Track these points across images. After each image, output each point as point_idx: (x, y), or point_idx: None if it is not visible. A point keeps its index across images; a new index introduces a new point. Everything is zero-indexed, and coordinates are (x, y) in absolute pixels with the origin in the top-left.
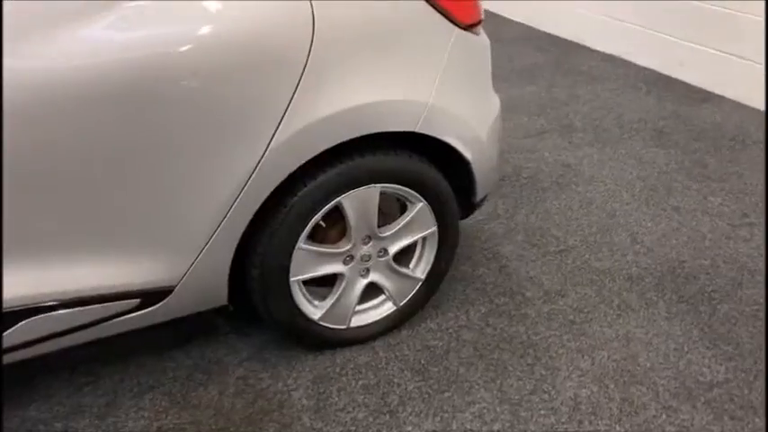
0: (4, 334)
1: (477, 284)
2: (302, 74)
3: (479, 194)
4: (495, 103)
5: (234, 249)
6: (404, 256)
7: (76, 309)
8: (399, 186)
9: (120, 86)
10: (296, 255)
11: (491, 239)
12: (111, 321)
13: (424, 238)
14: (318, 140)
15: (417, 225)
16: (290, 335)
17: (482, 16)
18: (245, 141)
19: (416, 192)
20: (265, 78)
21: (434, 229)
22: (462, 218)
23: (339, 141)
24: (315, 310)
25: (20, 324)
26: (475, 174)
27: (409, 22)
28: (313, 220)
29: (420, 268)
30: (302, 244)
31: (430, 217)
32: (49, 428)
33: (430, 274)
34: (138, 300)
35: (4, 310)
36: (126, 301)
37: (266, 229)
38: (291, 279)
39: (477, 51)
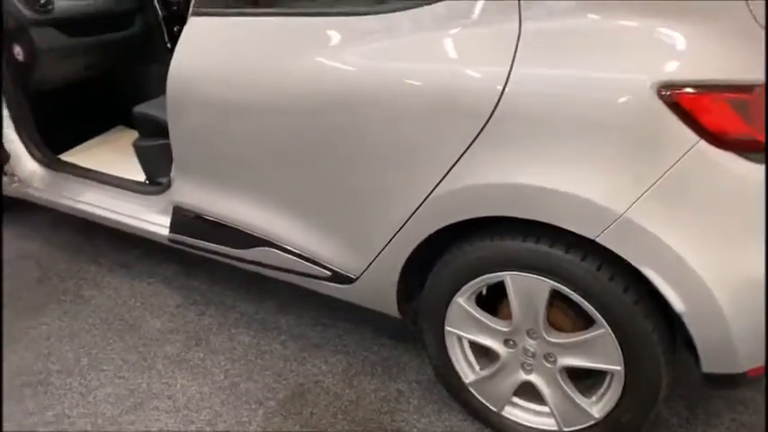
0: (252, 249)
1: None
2: (478, 134)
3: (705, 364)
4: (754, 263)
5: (399, 268)
6: (594, 381)
7: (290, 255)
8: (574, 294)
9: (359, 100)
10: (452, 307)
11: None
12: (308, 278)
13: (611, 374)
14: (470, 206)
15: (597, 353)
16: (441, 383)
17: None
18: (417, 177)
19: (597, 312)
20: (445, 129)
21: (620, 368)
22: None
23: (495, 214)
24: (469, 372)
25: (256, 248)
26: (692, 333)
27: (623, 114)
28: (474, 282)
29: (599, 405)
30: (459, 299)
31: (614, 350)
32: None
33: (608, 420)
34: (329, 272)
35: (255, 234)
36: (321, 269)
37: (434, 266)
38: (447, 328)
39: (729, 180)
